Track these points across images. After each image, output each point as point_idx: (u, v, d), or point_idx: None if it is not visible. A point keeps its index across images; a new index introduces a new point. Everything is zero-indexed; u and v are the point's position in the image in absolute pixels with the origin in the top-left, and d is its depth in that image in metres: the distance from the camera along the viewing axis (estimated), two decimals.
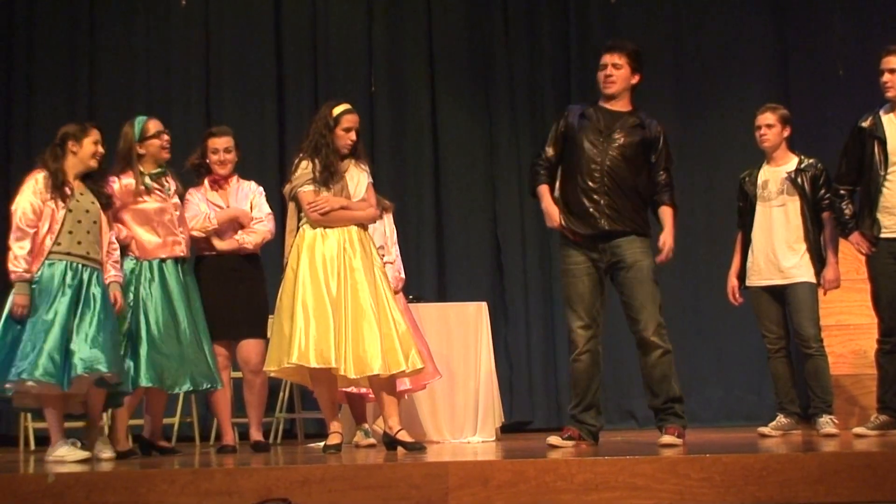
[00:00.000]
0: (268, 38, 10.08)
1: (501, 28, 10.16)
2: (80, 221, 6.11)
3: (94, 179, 6.32)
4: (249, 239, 6.89)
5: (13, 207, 6.09)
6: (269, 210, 6.99)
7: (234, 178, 7.07)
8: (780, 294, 6.97)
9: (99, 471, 5.11)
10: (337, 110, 6.33)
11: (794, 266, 6.90)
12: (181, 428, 8.67)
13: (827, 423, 6.79)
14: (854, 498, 4.45)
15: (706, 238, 9.59)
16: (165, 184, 6.68)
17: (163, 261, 6.57)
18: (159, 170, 6.69)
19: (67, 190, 6.11)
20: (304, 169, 6.25)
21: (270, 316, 6.51)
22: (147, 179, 6.59)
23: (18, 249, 6.00)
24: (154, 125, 6.72)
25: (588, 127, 6.17)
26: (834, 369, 7.39)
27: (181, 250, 6.64)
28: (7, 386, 5.93)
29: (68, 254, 6.06)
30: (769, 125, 7.01)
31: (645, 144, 6.20)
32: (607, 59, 6.27)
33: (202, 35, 10.06)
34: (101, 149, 6.31)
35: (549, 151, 6.28)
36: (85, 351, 5.89)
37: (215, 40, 10.07)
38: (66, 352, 5.89)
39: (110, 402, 6.30)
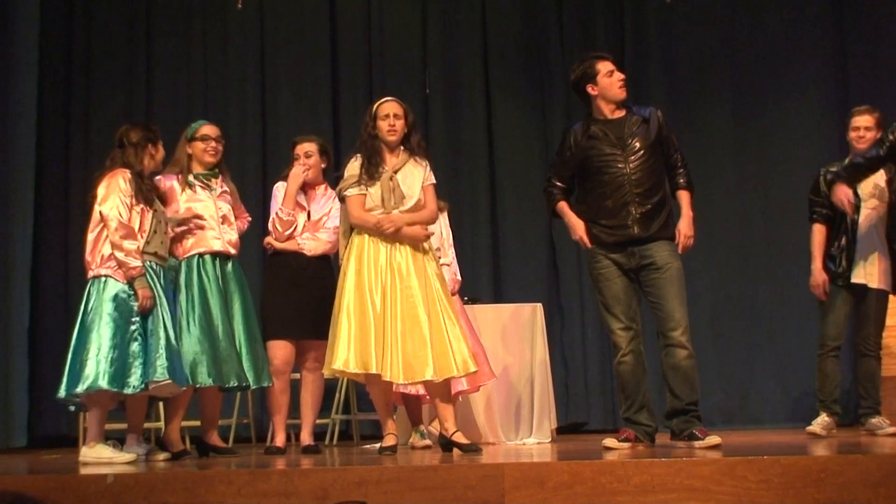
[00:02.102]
0: (323, 41, 10.14)
1: (556, 28, 10.14)
2: (159, 222, 6.24)
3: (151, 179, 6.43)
4: (308, 245, 6.94)
5: (105, 209, 6.09)
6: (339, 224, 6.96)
7: (323, 185, 7.14)
8: (857, 293, 6.92)
9: (157, 472, 5.14)
10: (377, 103, 6.37)
11: (882, 271, 6.88)
12: (238, 429, 8.73)
13: (885, 422, 6.78)
14: None
15: (763, 237, 9.53)
16: (213, 185, 6.77)
17: (201, 256, 6.62)
18: (208, 171, 6.79)
19: (150, 191, 6.23)
20: (351, 170, 6.27)
21: None
22: (191, 178, 6.70)
23: (130, 245, 6.05)
24: (205, 129, 6.85)
25: (599, 145, 6.14)
26: (891, 370, 7.35)
27: (221, 246, 6.69)
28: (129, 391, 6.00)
29: (154, 254, 6.17)
30: (868, 128, 6.97)
31: (657, 138, 6.16)
32: (611, 65, 6.22)
33: (257, 38, 10.14)
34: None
35: (558, 179, 6.31)
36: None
37: (270, 44, 10.15)
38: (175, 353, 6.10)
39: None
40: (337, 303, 6.16)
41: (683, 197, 6.20)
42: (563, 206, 6.27)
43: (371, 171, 6.21)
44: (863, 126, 6.99)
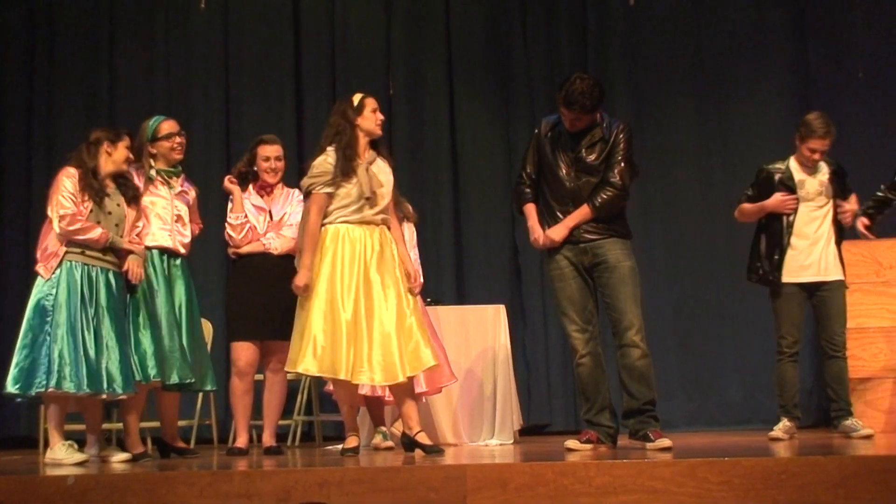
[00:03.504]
0: (286, 41, 10.12)
1: (520, 29, 10.15)
2: (99, 222, 6.16)
3: (124, 177, 6.41)
4: (274, 244, 6.90)
5: (49, 211, 6.13)
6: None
7: (280, 185, 7.08)
8: (810, 294, 6.95)
9: (119, 473, 5.11)
10: (356, 98, 6.22)
11: (833, 265, 6.92)
12: (200, 430, 8.69)
13: (858, 424, 6.79)
14: (875, 503, 4.42)
15: (726, 238, 9.55)
16: (173, 183, 6.73)
17: (148, 249, 6.51)
18: (171, 169, 6.74)
19: (99, 189, 6.20)
20: (323, 167, 6.10)
21: None
22: (153, 172, 6.65)
23: (76, 225, 6.07)
24: (167, 126, 6.77)
25: (555, 150, 6.11)
26: (854, 372, 7.37)
27: (171, 243, 6.62)
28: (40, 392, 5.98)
29: (82, 253, 6.11)
30: (824, 151, 6.96)
31: (609, 155, 6.08)
32: (567, 113, 6.03)
33: (221, 38, 10.11)
34: (131, 155, 6.41)
35: (529, 170, 6.24)
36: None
37: (234, 43, 10.12)
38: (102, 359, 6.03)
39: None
40: (303, 298, 6.03)
41: (579, 210, 6.04)
42: (529, 208, 6.22)
43: (346, 168, 6.06)
44: (819, 150, 6.95)
